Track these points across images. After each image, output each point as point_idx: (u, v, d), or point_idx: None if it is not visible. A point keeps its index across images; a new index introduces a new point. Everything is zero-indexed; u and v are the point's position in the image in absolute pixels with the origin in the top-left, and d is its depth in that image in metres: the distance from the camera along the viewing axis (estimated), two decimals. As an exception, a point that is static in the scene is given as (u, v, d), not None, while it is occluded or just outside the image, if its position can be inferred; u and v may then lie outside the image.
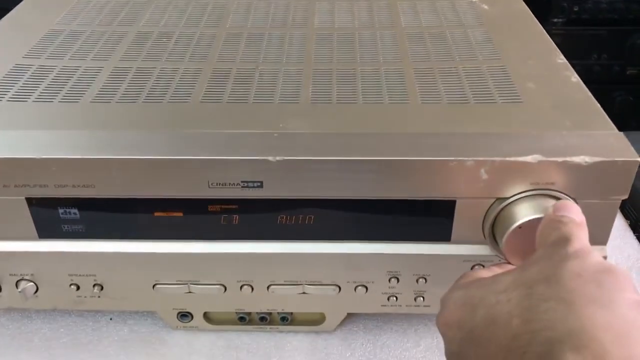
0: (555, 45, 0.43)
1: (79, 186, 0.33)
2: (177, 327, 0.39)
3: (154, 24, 0.47)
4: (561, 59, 0.41)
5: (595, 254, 0.25)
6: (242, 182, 0.32)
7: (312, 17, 0.48)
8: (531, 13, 0.48)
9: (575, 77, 0.38)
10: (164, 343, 0.39)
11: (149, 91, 0.37)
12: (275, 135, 0.33)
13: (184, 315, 0.39)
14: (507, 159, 0.31)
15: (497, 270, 0.29)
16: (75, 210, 0.34)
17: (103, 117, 0.35)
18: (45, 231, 0.35)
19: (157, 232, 0.35)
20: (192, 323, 0.39)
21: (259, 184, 0.32)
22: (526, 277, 0.25)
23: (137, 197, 0.33)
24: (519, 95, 0.37)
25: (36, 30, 0.45)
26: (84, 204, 0.34)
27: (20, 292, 0.36)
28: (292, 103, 0.36)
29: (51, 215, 0.34)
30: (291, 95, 0.37)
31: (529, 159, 0.31)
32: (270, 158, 0.31)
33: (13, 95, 0.37)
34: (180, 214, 0.34)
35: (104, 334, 0.39)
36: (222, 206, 0.34)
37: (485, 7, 0.49)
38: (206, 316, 0.39)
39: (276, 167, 0.32)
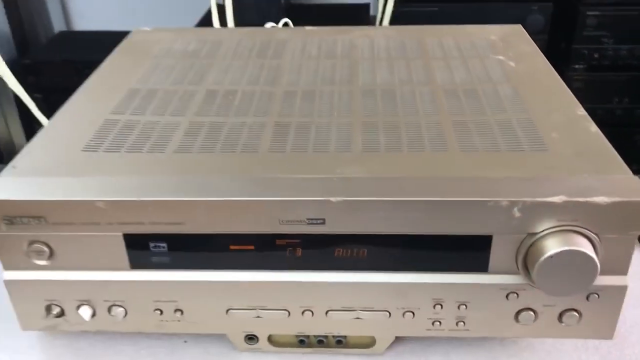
0: (575, 99, 0.48)
1: (169, 223, 0.38)
2: (244, 349, 0.45)
3: (219, 83, 0.53)
4: (581, 112, 0.46)
5: None
6: (307, 219, 0.38)
7: (357, 76, 0.54)
8: (553, 69, 0.54)
9: (594, 128, 0.44)
10: (233, 362, 0.44)
11: (222, 143, 0.44)
12: (335, 179, 0.39)
13: (251, 338, 0.44)
14: (537, 199, 0.36)
15: None
16: (164, 244, 0.40)
17: (186, 164, 0.41)
18: (137, 262, 0.40)
19: (232, 263, 0.40)
20: (257, 345, 0.44)
21: (321, 221, 0.38)
22: None
23: (217, 232, 0.39)
24: (544, 144, 0.42)
25: (118, 89, 0.52)
26: (172, 239, 0.39)
27: (112, 316, 0.42)
28: (346, 152, 0.42)
29: (143, 249, 0.40)
30: (344, 145, 0.43)
31: (555, 199, 0.36)
32: (332, 199, 0.37)
33: (107, 146, 0.44)
34: (252, 247, 0.40)
35: (179, 354, 0.45)
36: (288, 240, 0.40)
37: (512, 64, 0.55)
38: (270, 339, 0.44)
39: (336, 207, 0.37)
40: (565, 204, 0.36)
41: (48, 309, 0.42)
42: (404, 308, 0.41)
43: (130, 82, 0.54)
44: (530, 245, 0.38)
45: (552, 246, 0.36)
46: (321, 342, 0.44)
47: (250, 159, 0.42)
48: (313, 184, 0.38)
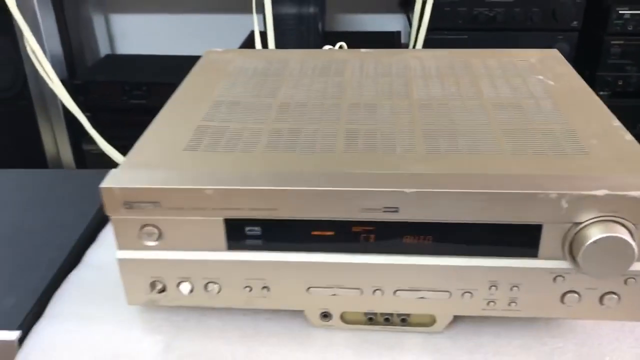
0: (610, 112, 0.54)
1: (265, 209, 0.45)
2: (319, 325, 0.51)
3: (290, 97, 0.60)
4: (616, 123, 0.52)
5: None
6: (383, 207, 0.44)
7: (412, 91, 0.61)
8: (588, 87, 0.60)
9: (629, 136, 0.50)
10: (311, 336, 0.50)
11: (302, 144, 0.50)
12: (406, 174, 0.45)
13: (325, 316, 0.50)
14: (582, 192, 0.42)
15: None
16: (258, 228, 0.46)
17: (275, 161, 0.48)
18: (233, 244, 0.47)
19: (314, 246, 0.47)
20: (330, 322, 0.51)
21: (395, 209, 0.44)
22: None
23: (304, 218, 0.45)
24: (585, 149, 0.48)
25: (204, 101, 0.59)
26: (265, 224, 0.46)
27: (207, 292, 0.49)
28: (411, 153, 0.49)
29: (239, 232, 0.47)
30: (408, 148, 0.49)
31: (598, 192, 0.42)
32: (406, 190, 0.44)
33: (204, 147, 0.51)
34: (332, 233, 0.46)
35: (261, 329, 0.51)
36: (364, 227, 0.46)
37: (551, 83, 0.61)
38: (342, 317, 0.50)
39: (409, 197, 0.44)
40: (606, 197, 0.42)
41: (152, 285, 0.49)
42: (463, 289, 0.47)
43: (214, 95, 0.61)
44: (576, 233, 0.44)
45: (595, 233, 0.42)
46: (387, 320, 0.50)
47: (328, 158, 0.48)
48: (388, 178, 0.45)
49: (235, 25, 1.91)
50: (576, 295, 0.46)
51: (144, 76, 1.73)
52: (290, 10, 1.53)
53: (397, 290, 0.48)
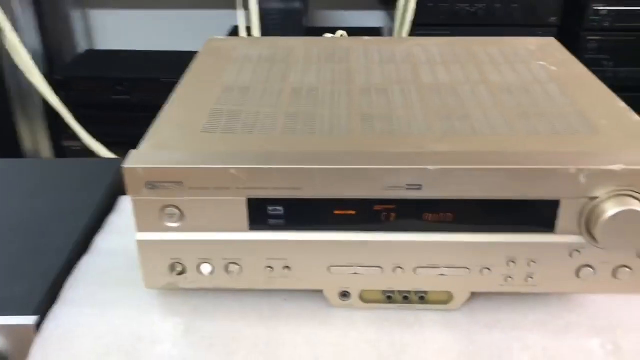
0: (614, 94, 0.56)
1: (289, 189, 0.45)
2: (337, 305, 0.51)
3: (300, 82, 0.61)
4: (622, 104, 0.54)
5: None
6: (407, 185, 0.45)
7: (419, 77, 0.62)
8: (589, 72, 0.62)
9: (636, 117, 0.52)
10: (330, 316, 0.50)
11: (319, 126, 0.51)
12: (428, 152, 0.46)
13: (344, 295, 0.51)
14: (600, 167, 0.44)
15: None
16: (280, 208, 0.47)
17: (295, 142, 0.48)
18: (255, 224, 0.47)
19: (336, 225, 0.47)
20: (349, 302, 0.51)
21: (418, 186, 0.45)
22: None
23: (327, 197, 0.46)
24: (596, 128, 0.50)
25: (214, 86, 0.59)
26: (288, 203, 0.46)
27: (228, 274, 0.49)
28: (429, 134, 0.50)
29: (262, 212, 0.47)
30: (425, 129, 0.50)
31: (615, 167, 0.44)
32: (429, 167, 0.44)
33: (222, 129, 0.51)
34: (354, 212, 0.47)
35: (280, 309, 0.51)
36: (385, 206, 0.47)
37: (554, 68, 0.63)
38: (361, 296, 0.51)
39: (432, 174, 0.44)
40: (622, 172, 0.44)
41: (172, 267, 0.49)
42: (481, 265, 0.48)
43: (222, 81, 0.61)
44: (593, 208, 0.45)
45: (613, 207, 0.44)
46: (406, 298, 0.51)
47: (348, 139, 0.49)
48: (411, 156, 0.46)
49: (216, 21, 1.91)
50: (591, 269, 0.48)
51: (126, 72, 1.71)
52: (275, 5, 1.54)
53: (418, 267, 0.48)
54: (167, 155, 0.47)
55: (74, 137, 1.64)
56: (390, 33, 1.72)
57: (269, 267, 0.49)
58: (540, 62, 0.65)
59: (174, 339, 0.48)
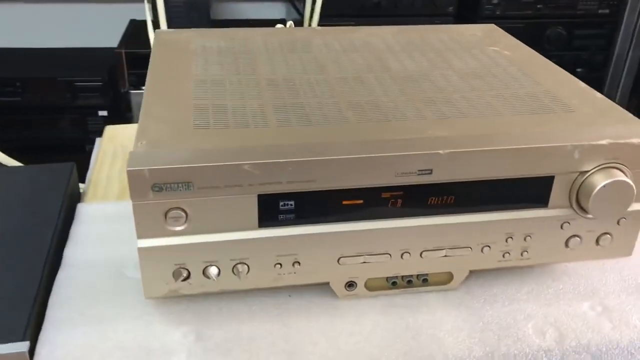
0: (572, 76, 0.60)
1: (303, 182, 0.44)
2: (343, 295, 0.51)
3: (273, 73, 0.59)
4: (583, 85, 0.58)
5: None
6: (418, 170, 0.46)
7: (388, 65, 0.62)
8: (539, 54, 0.66)
9: (599, 95, 0.56)
10: (337, 308, 0.50)
11: (313, 117, 0.50)
12: (433, 137, 0.47)
13: (350, 285, 0.51)
14: (591, 142, 0.47)
15: None
16: (291, 202, 0.46)
17: (295, 134, 0.47)
18: (265, 221, 0.46)
19: (345, 215, 0.47)
20: (355, 291, 0.51)
21: (429, 171, 0.46)
22: None
23: (340, 188, 0.45)
24: (570, 107, 0.53)
25: (185, 80, 0.56)
26: (299, 197, 0.45)
27: (235, 274, 0.47)
28: (422, 119, 0.50)
29: (272, 208, 0.45)
30: (417, 115, 0.51)
31: (603, 142, 0.47)
32: (440, 151, 0.45)
33: (214, 124, 0.48)
34: (362, 201, 0.47)
35: (287, 306, 0.50)
36: (393, 193, 0.47)
37: (507, 53, 0.66)
38: (366, 285, 0.51)
39: (443, 158, 0.46)
40: (610, 145, 0.47)
41: (176, 273, 0.46)
42: (482, 243, 0.50)
43: (191, 74, 0.58)
44: (583, 181, 0.48)
45: (603, 179, 0.47)
46: (409, 282, 0.52)
47: (347, 128, 0.49)
48: (419, 142, 0.46)
49: (109, 15, 1.81)
50: (578, 239, 0.51)
51: (16, 71, 1.57)
52: (180, -3, 1.48)
53: (424, 251, 0.49)
54: (170, 154, 0.44)
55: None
56: (296, 25, 1.72)
57: (278, 263, 0.47)
58: (492, 47, 0.68)
59: (188, 348, 0.45)
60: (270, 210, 0.46)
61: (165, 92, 0.54)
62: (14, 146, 1.39)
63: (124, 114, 1.60)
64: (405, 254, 0.49)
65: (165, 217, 0.44)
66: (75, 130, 1.58)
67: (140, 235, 0.45)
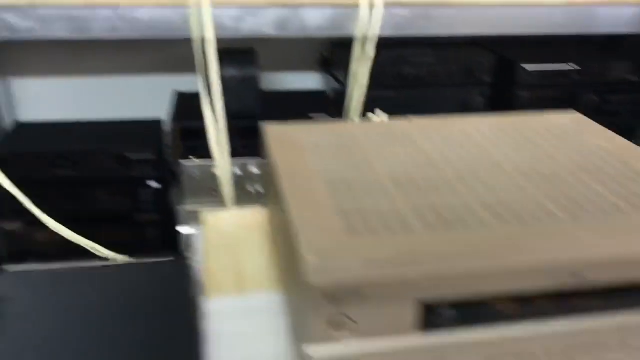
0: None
1: (470, 288, 0.46)
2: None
3: (390, 170, 0.62)
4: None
5: None
6: (574, 273, 0.48)
7: (501, 161, 0.65)
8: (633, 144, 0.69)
9: None
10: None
11: (455, 221, 0.52)
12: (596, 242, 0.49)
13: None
14: None
15: None
16: (454, 309, 0.47)
17: (451, 240, 0.49)
18: (427, 327, 0.47)
19: (499, 320, 0.49)
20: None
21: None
22: None
23: (504, 293, 0.47)
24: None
25: (316, 181, 0.59)
26: (461, 302, 0.47)
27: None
28: (563, 220, 0.53)
29: (435, 314, 0.47)
30: (555, 216, 0.53)
31: None
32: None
33: (366, 230, 0.50)
34: (517, 304, 0.49)
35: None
36: (547, 295, 0.49)
37: (605, 144, 0.69)
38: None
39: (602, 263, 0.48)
40: None
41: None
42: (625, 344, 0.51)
43: (317, 174, 0.61)
44: None
45: None
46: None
47: (496, 232, 0.51)
48: (579, 244, 0.49)
49: (150, 87, 1.86)
50: None
51: (67, 145, 1.61)
52: (231, 73, 1.53)
53: (568, 349, 0.51)
54: (344, 265, 0.46)
55: (13, 218, 1.52)
56: (335, 95, 1.77)
57: (443, 366, 0.49)
58: (593, 141, 0.70)
59: None
60: (433, 317, 0.47)
61: (303, 194, 0.57)
62: (67, 218, 1.42)
63: (170, 183, 1.63)
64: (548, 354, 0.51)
65: (334, 325, 0.46)
66: (125, 202, 1.61)
67: (306, 341, 0.46)
